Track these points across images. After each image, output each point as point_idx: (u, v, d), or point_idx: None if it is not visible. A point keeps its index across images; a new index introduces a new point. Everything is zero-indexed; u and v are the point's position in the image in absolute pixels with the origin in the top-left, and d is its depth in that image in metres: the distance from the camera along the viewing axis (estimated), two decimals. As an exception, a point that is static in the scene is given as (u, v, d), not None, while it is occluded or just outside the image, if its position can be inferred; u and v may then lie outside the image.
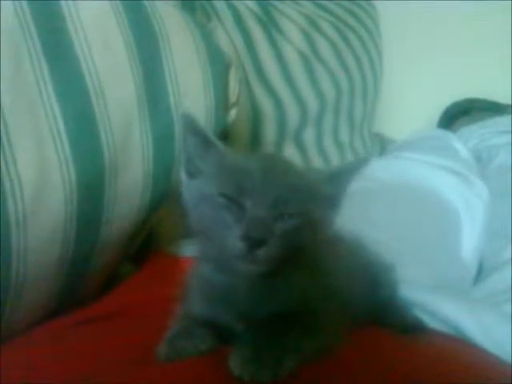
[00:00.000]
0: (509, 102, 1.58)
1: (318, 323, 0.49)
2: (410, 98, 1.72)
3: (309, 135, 1.32)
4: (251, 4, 1.25)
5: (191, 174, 0.51)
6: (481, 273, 0.97)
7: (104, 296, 0.70)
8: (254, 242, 0.44)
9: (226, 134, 0.87)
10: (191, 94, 0.78)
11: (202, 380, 0.45)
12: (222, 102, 0.84)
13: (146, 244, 0.87)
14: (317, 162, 1.32)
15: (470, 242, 0.99)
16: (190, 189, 0.51)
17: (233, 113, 0.88)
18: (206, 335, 0.50)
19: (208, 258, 0.52)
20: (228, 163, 0.49)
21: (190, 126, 0.51)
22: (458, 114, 1.67)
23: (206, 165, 0.50)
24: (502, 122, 1.37)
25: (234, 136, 1.05)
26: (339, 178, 0.51)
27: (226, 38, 1.17)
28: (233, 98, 0.87)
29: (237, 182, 0.47)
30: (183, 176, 0.52)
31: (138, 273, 0.79)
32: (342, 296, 0.54)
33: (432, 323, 0.67)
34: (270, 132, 1.21)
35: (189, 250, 0.74)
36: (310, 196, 0.48)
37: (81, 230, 0.65)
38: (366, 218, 0.86)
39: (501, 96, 1.61)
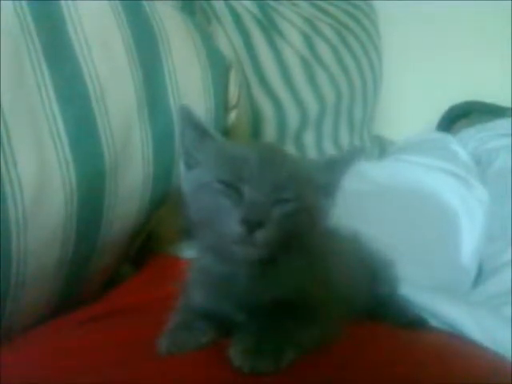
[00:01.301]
0: (508, 104, 1.58)
1: (317, 315, 0.49)
2: (410, 100, 1.72)
3: (309, 137, 1.32)
4: (251, 6, 1.25)
5: (190, 166, 0.52)
6: (480, 275, 0.97)
7: (104, 296, 0.70)
8: (252, 225, 0.45)
9: (226, 136, 0.87)
10: (191, 95, 0.78)
11: (202, 372, 0.45)
12: (222, 104, 0.84)
13: (146, 245, 0.87)
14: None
15: (469, 244, 0.99)
16: (188, 179, 0.52)
17: (233, 115, 0.88)
18: (207, 327, 0.50)
19: (208, 247, 0.52)
20: (225, 152, 0.50)
21: (188, 118, 0.52)
22: (458, 117, 1.67)
23: (204, 155, 0.51)
24: (501, 124, 1.37)
25: (235, 138, 1.05)
26: (334, 167, 0.52)
27: (226, 40, 1.17)
28: (233, 100, 0.87)
29: (234, 169, 0.47)
30: (182, 168, 0.53)
31: (138, 274, 0.79)
32: (342, 288, 0.54)
33: (432, 323, 0.67)
34: (270, 134, 1.22)
35: (188, 251, 0.74)
36: (305, 183, 0.49)
37: (81, 231, 0.65)
38: (365, 220, 0.86)
39: (500, 99, 1.61)
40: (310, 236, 0.51)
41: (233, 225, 0.45)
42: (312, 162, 0.54)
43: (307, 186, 0.49)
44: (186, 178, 0.53)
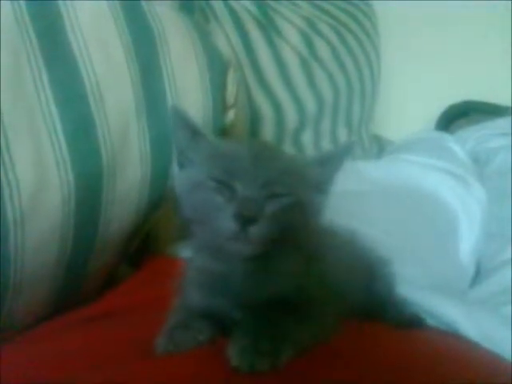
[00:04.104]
0: (508, 104, 1.57)
1: (314, 312, 0.49)
2: (408, 99, 1.72)
3: (307, 136, 1.32)
4: (250, 6, 1.25)
5: (183, 165, 0.53)
6: (479, 274, 0.97)
7: (102, 297, 0.70)
8: (245, 220, 0.45)
9: (224, 135, 0.87)
10: (189, 94, 0.78)
11: (200, 371, 0.45)
12: (220, 103, 0.84)
13: (144, 246, 0.87)
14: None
15: (467, 243, 0.99)
16: (181, 179, 0.53)
17: (231, 114, 0.88)
18: (204, 326, 0.50)
19: (203, 246, 0.52)
20: (217, 150, 0.50)
21: (180, 118, 0.52)
22: (457, 116, 1.67)
23: (197, 154, 0.51)
24: (500, 124, 1.37)
25: (233, 137, 1.05)
26: (328, 163, 0.52)
27: (225, 39, 1.17)
28: (231, 99, 0.87)
29: (226, 166, 0.48)
30: (175, 168, 0.53)
31: (136, 274, 0.79)
32: (339, 286, 0.54)
33: (429, 323, 0.67)
34: (268, 133, 1.22)
35: (186, 251, 0.74)
36: (298, 179, 0.50)
37: (79, 231, 0.65)
38: (363, 219, 0.86)
39: (499, 98, 1.61)
40: (304, 232, 0.51)
41: (226, 221, 0.46)
42: (305, 157, 0.55)
43: (300, 181, 0.50)
44: (179, 178, 0.53)
